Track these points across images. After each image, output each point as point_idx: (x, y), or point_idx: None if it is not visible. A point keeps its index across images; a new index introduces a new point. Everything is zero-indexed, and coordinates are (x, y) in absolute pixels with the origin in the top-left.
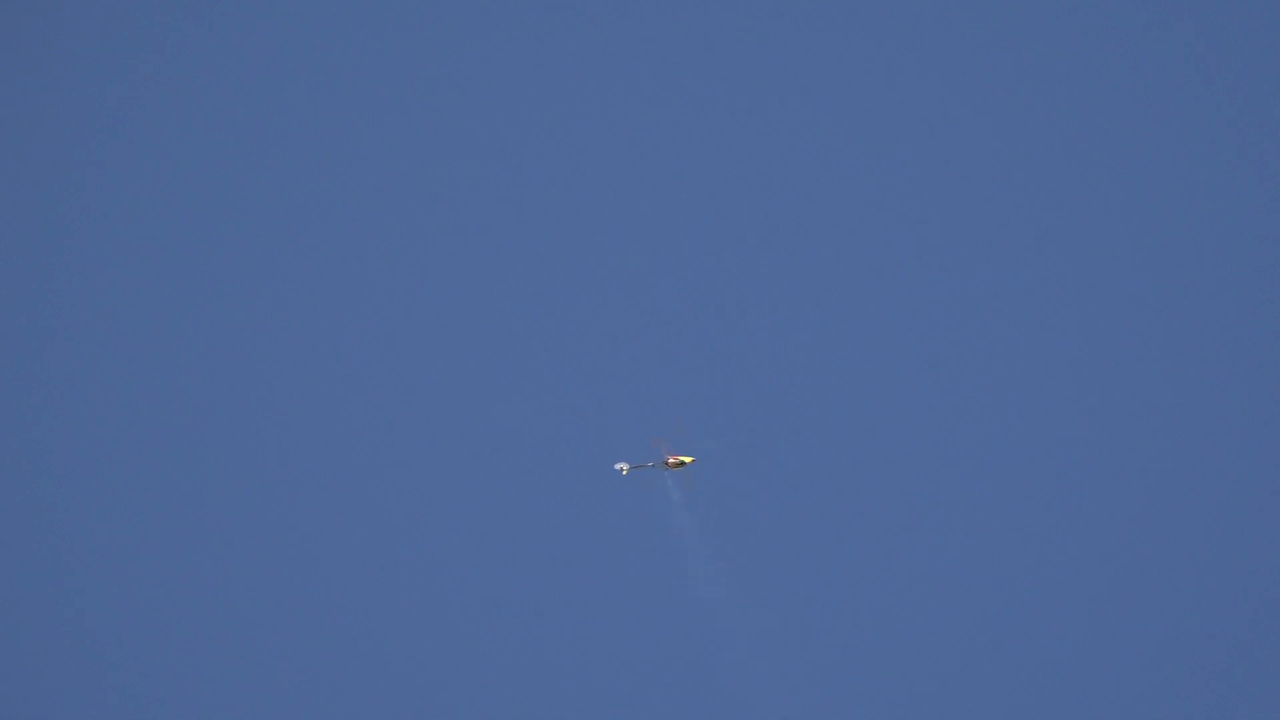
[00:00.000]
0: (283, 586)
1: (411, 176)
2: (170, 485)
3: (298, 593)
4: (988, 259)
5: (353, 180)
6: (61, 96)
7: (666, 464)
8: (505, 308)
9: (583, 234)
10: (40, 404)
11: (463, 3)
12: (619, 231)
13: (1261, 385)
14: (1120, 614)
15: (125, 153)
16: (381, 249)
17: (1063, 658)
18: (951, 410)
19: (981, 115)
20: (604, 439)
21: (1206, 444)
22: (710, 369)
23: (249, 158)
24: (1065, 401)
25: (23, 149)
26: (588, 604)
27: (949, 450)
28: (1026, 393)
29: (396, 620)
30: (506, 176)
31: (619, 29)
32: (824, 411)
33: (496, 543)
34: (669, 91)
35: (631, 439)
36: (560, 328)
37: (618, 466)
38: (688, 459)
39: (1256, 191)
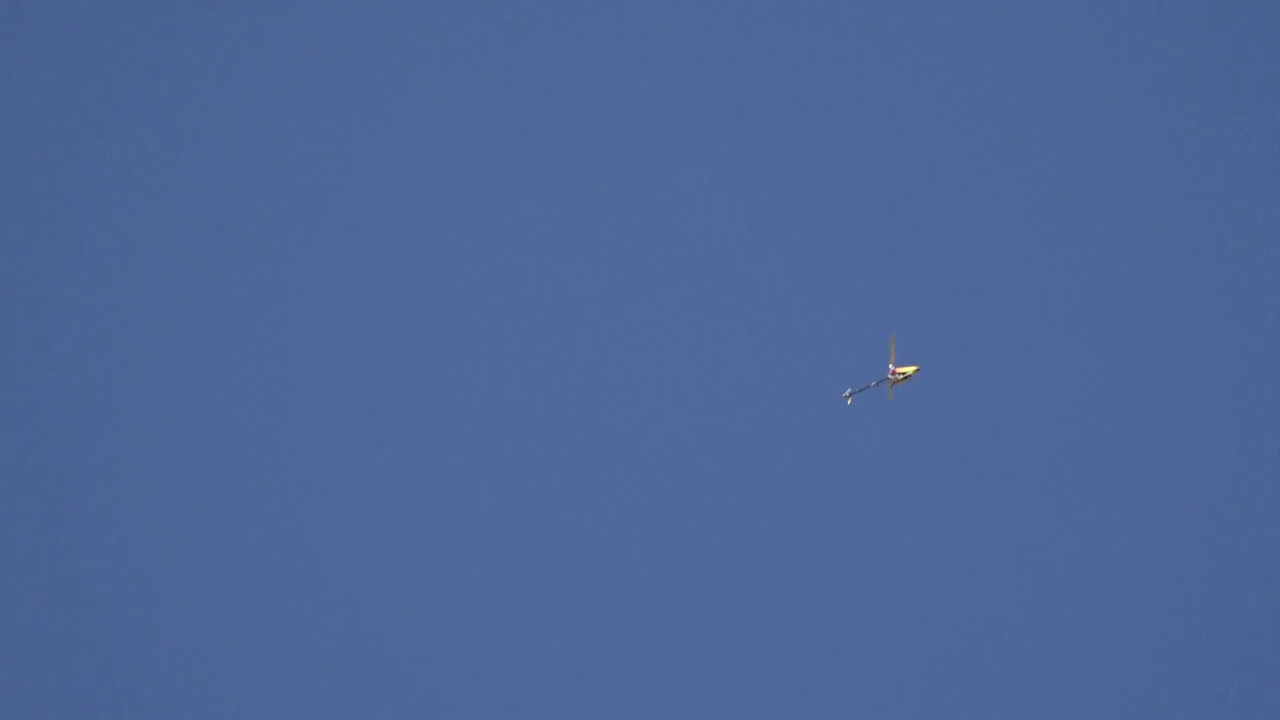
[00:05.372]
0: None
1: (413, 174)
2: (170, 485)
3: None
4: (989, 258)
5: (353, 178)
6: (61, 96)
7: (891, 378)
8: (508, 304)
9: (584, 234)
10: (40, 404)
11: (463, 2)
12: (620, 231)
13: (1261, 386)
14: (1120, 613)
15: (125, 152)
16: (384, 248)
17: (1062, 656)
18: (951, 411)
19: (984, 115)
20: (606, 438)
21: (1206, 444)
22: (710, 367)
23: (249, 157)
24: (1066, 400)
25: (23, 148)
26: (596, 607)
27: (949, 452)
28: (1027, 386)
29: (409, 619)
30: (509, 173)
31: (619, 29)
32: (824, 412)
33: (505, 543)
34: (671, 91)
35: (628, 438)
36: (561, 327)
37: (844, 395)
38: (911, 369)
39: (1257, 191)
